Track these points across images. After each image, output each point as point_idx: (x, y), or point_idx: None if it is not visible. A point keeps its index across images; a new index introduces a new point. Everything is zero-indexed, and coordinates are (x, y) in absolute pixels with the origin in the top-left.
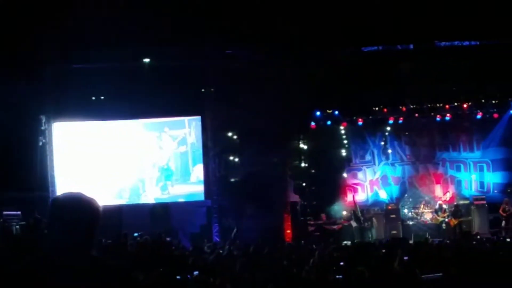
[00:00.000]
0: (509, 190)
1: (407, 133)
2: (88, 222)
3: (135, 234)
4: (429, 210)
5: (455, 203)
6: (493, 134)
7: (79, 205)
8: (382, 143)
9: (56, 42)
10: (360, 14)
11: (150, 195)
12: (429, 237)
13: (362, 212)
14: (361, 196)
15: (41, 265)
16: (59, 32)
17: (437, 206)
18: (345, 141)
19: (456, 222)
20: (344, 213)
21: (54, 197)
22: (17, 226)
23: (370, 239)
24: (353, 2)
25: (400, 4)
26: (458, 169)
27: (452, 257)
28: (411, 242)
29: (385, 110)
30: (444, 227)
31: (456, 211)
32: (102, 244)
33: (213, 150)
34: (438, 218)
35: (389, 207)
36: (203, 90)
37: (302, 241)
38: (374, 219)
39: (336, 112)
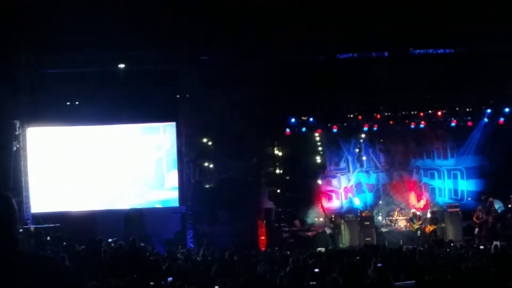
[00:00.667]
0: (482, 198)
1: (381, 140)
2: (5, 218)
3: (109, 240)
4: (403, 218)
5: (429, 210)
6: (468, 142)
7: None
8: (357, 150)
9: (30, 47)
10: (336, 21)
11: (125, 201)
12: (403, 244)
13: (331, 219)
14: (336, 203)
15: None
16: (33, 37)
17: (411, 214)
18: (320, 148)
19: (431, 228)
20: (319, 219)
21: None
22: None
23: (342, 246)
24: (328, 8)
25: (375, 11)
26: (432, 176)
27: (426, 265)
28: (385, 249)
29: (360, 117)
30: (418, 235)
31: (432, 218)
32: (75, 250)
33: (187, 156)
34: (414, 225)
35: (363, 214)
36: (178, 96)
37: (276, 248)
38: (342, 226)
39: (311, 119)
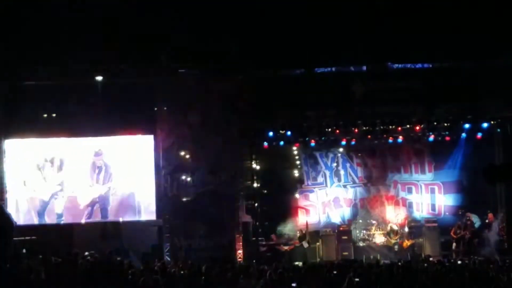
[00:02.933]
0: (460, 213)
1: (359, 154)
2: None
3: (86, 253)
4: (381, 232)
5: (406, 225)
6: (454, 156)
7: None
8: (335, 164)
9: (6, 59)
10: (313, 35)
11: (102, 214)
12: (381, 258)
13: (306, 233)
14: (313, 217)
15: None
16: (9, 49)
17: (388, 229)
18: (298, 162)
19: (409, 243)
20: (296, 234)
21: None
22: None
23: (320, 260)
24: (306, 22)
25: (353, 25)
26: (409, 191)
27: (403, 279)
28: (362, 263)
29: (338, 131)
30: (396, 249)
31: (410, 233)
32: (52, 262)
33: (165, 169)
34: (391, 240)
35: (341, 229)
36: (155, 109)
37: (254, 261)
38: (320, 240)
39: (289, 133)
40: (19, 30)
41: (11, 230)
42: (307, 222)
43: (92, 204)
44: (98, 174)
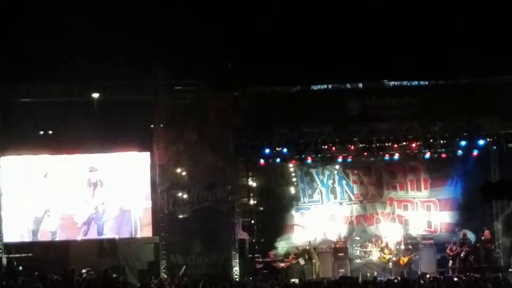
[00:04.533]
0: (456, 230)
1: (355, 171)
2: None
3: (83, 271)
4: (377, 249)
5: (402, 242)
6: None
7: None
8: (331, 181)
9: (3, 75)
10: (310, 53)
11: (98, 230)
12: (377, 276)
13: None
14: (310, 235)
15: None
16: (6, 66)
17: (383, 245)
18: (294, 179)
19: (405, 260)
20: (293, 251)
21: None
22: None
23: (316, 278)
24: (303, 39)
25: (350, 43)
26: (405, 208)
27: None
28: (359, 280)
29: (334, 148)
30: (390, 266)
31: (406, 250)
32: (48, 279)
33: (161, 186)
34: (385, 256)
35: (337, 246)
36: (152, 125)
37: (250, 278)
38: (316, 258)
39: (285, 150)
40: (16, 47)
41: None
42: (310, 242)
43: (88, 222)
44: (94, 190)
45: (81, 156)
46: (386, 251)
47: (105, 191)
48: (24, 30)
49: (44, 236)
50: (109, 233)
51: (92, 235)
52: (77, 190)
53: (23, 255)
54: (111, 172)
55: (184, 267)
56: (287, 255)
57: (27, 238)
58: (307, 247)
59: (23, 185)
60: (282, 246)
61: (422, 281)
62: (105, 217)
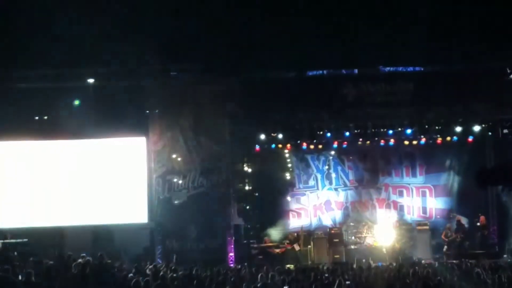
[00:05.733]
0: (451, 216)
1: (351, 157)
2: None
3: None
4: (371, 235)
5: (397, 228)
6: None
7: None
8: (326, 167)
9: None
10: (305, 38)
11: (93, 216)
12: (372, 261)
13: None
14: (305, 220)
15: None
16: (1, 51)
17: (375, 230)
18: (289, 165)
19: (400, 246)
20: (287, 236)
21: None
22: None
23: (311, 263)
24: (298, 25)
25: (345, 28)
26: (400, 194)
27: (394, 282)
28: (354, 266)
29: (329, 134)
30: (385, 252)
31: (401, 236)
32: (43, 265)
33: (156, 172)
34: (377, 241)
35: (332, 232)
36: (147, 111)
37: (245, 264)
38: (311, 243)
39: (280, 136)
40: (11, 33)
41: None
42: (302, 227)
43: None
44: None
45: (76, 142)
46: (378, 236)
47: (99, 177)
48: (18, 15)
49: (41, 221)
50: (104, 219)
51: (88, 220)
52: (73, 176)
53: (18, 240)
54: (107, 158)
55: (175, 256)
56: (282, 240)
57: (23, 223)
58: (301, 233)
59: (19, 170)
60: (277, 231)
61: (417, 267)
62: (101, 202)
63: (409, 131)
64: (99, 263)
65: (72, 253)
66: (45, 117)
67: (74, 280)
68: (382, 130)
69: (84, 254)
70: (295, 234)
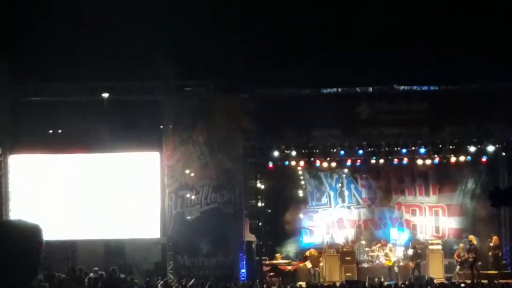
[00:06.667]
0: (464, 236)
1: (364, 175)
2: (37, 250)
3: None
4: (384, 254)
5: (410, 247)
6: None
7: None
8: (339, 185)
9: (13, 74)
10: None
11: (106, 231)
12: (384, 280)
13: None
14: (317, 238)
15: None
16: (17, 64)
17: (387, 249)
18: (302, 182)
19: (412, 265)
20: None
21: None
22: None
23: (323, 281)
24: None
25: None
26: (413, 213)
27: None
28: (366, 285)
29: (343, 152)
30: (396, 271)
31: (414, 255)
32: (55, 278)
33: (169, 187)
34: (390, 259)
35: (345, 249)
36: (161, 126)
37: (257, 280)
38: (324, 261)
39: (294, 153)
40: (27, 46)
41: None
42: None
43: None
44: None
45: (89, 156)
46: (390, 255)
47: (113, 191)
48: (34, 29)
49: (54, 235)
50: (117, 233)
51: (100, 234)
52: (86, 189)
53: None
54: (120, 172)
55: (190, 269)
56: (294, 258)
57: None
58: (311, 251)
59: (32, 183)
60: (289, 249)
61: (429, 287)
62: (115, 216)
63: (422, 150)
64: (110, 277)
65: (84, 267)
66: (59, 131)
67: None
68: (395, 148)
69: (96, 268)
70: (308, 252)
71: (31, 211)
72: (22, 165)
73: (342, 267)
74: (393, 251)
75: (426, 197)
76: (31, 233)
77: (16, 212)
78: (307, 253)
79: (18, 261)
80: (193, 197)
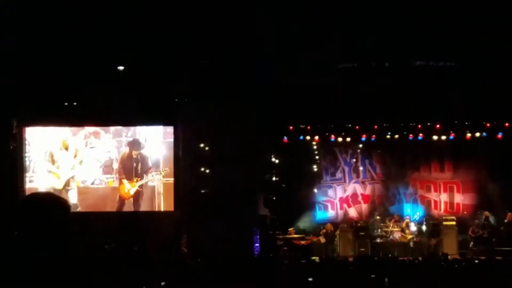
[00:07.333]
0: (478, 212)
1: (378, 151)
2: (65, 221)
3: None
4: (398, 229)
5: (424, 223)
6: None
7: (57, 204)
8: (354, 160)
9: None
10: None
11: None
12: (398, 255)
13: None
14: (331, 213)
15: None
16: (33, 37)
17: (404, 225)
18: (317, 157)
19: (427, 241)
20: (313, 228)
21: (28, 197)
22: None
23: (336, 256)
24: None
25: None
26: (428, 189)
27: (420, 277)
28: (379, 260)
29: (358, 127)
30: (411, 245)
31: (428, 231)
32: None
33: (184, 161)
34: (406, 236)
35: (358, 225)
36: (176, 100)
37: (271, 255)
38: (337, 236)
39: (309, 127)
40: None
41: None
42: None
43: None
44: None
45: (105, 129)
46: (407, 231)
47: (128, 163)
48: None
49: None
50: (131, 206)
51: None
52: (102, 162)
53: None
54: (134, 145)
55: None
56: (308, 232)
57: None
58: (328, 226)
59: (48, 157)
60: (303, 223)
61: (443, 263)
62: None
63: (438, 126)
64: (125, 250)
65: (98, 240)
66: (75, 103)
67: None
68: (410, 124)
69: (110, 241)
70: (322, 226)
71: (44, 183)
72: (37, 138)
73: (356, 242)
74: (409, 227)
75: (441, 173)
76: (59, 206)
77: (30, 185)
78: (324, 229)
79: (48, 234)
80: (207, 171)
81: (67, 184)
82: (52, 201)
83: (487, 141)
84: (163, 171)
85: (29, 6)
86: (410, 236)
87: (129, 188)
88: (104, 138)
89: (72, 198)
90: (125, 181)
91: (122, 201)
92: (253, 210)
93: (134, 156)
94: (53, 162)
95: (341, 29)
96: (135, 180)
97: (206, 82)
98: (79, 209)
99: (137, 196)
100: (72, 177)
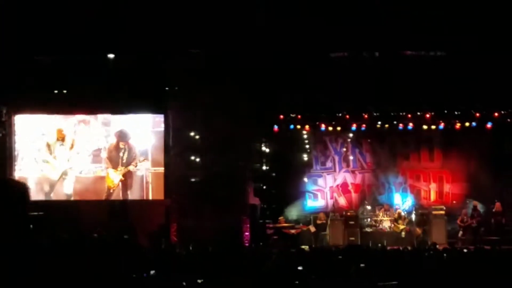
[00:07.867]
0: (467, 201)
1: (369, 140)
2: (23, 207)
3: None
4: (388, 218)
5: (413, 212)
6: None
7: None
8: (344, 149)
9: (18, 33)
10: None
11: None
12: (387, 245)
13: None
14: (321, 202)
15: None
16: (22, 24)
17: (396, 215)
18: (307, 146)
19: (416, 230)
20: (302, 217)
21: None
22: None
23: (326, 245)
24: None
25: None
26: (417, 178)
27: (408, 266)
28: (368, 249)
29: (348, 116)
30: (403, 235)
31: (417, 220)
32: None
33: (174, 149)
34: (399, 226)
35: (348, 214)
36: (167, 88)
37: (260, 244)
38: (327, 225)
39: (299, 116)
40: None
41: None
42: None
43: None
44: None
45: (95, 117)
46: (399, 221)
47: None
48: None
49: (57, 195)
50: (121, 195)
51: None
52: (91, 151)
53: (34, 213)
54: (123, 133)
55: (193, 231)
56: (297, 221)
57: (39, 197)
58: (318, 215)
59: (37, 145)
60: (293, 212)
61: (431, 252)
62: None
63: (428, 115)
64: (114, 238)
65: (87, 228)
66: (64, 91)
67: (89, 255)
68: (401, 113)
69: (99, 229)
70: (311, 215)
71: (33, 171)
72: (26, 125)
73: (346, 231)
74: (402, 217)
75: (430, 163)
76: (17, 190)
77: (19, 173)
78: (318, 219)
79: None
80: (197, 159)
81: (64, 173)
82: (7, 186)
83: (477, 131)
84: (141, 160)
85: None
86: (402, 227)
87: (114, 177)
88: (94, 125)
89: (67, 188)
90: (110, 170)
91: (109, 190)
92: (243, 199)
93: (121, 147)
94: (50, 152)
95: (334, 20)
96: (119, 169)
97: (197, 71)
98: (71, 198)
99: (125, 185)
100: (70, 168)
